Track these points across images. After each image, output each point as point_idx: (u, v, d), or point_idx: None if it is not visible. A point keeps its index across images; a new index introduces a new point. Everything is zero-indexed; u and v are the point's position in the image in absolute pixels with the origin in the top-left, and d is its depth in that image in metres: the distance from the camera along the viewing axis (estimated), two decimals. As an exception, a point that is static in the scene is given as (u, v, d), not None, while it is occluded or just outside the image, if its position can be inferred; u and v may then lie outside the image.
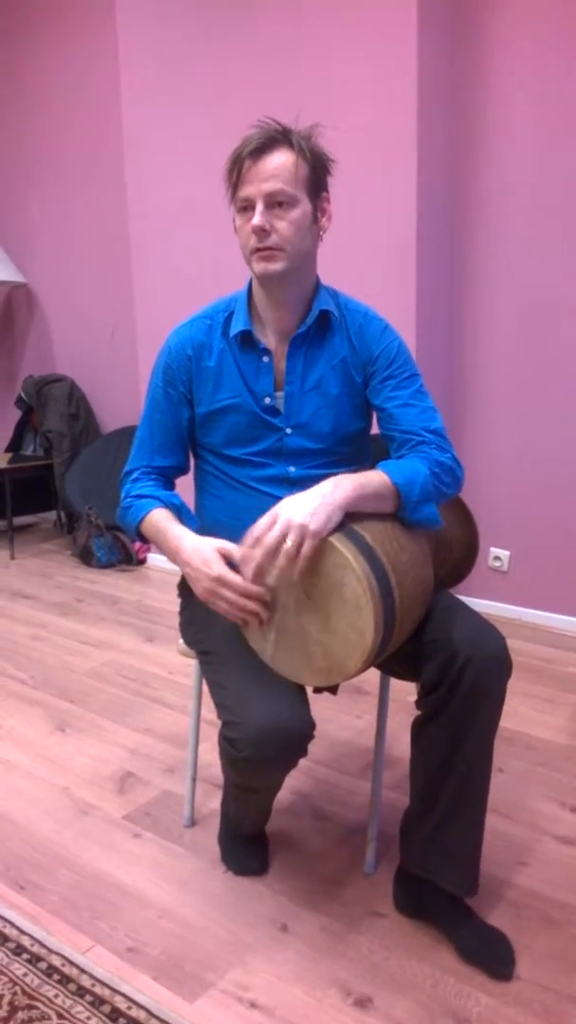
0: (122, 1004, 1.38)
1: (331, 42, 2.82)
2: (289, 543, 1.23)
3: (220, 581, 1.32)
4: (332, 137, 2.65)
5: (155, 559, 3.86)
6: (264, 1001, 1.39)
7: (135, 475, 1.59)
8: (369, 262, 2.87)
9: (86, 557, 3.91)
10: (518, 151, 2.77)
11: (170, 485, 1.61)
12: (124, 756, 2.19)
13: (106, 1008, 1.38)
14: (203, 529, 1.65)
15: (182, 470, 1.62)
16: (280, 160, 1.36)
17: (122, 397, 4.15)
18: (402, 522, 1.39)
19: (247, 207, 1.38)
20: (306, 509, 1.24)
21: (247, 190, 1.37)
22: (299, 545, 1.23)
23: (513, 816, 1.89)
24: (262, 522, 1.26)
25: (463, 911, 1.49)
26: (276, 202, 1.36)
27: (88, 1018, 1.36)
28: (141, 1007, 1.38)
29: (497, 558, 3.09)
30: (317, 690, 1.43)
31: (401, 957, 1.48)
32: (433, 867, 1.47)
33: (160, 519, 1.49)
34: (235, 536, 1.46)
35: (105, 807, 1.96)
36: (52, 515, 4.66)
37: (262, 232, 1.37)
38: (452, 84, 2.83)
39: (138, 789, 2.03)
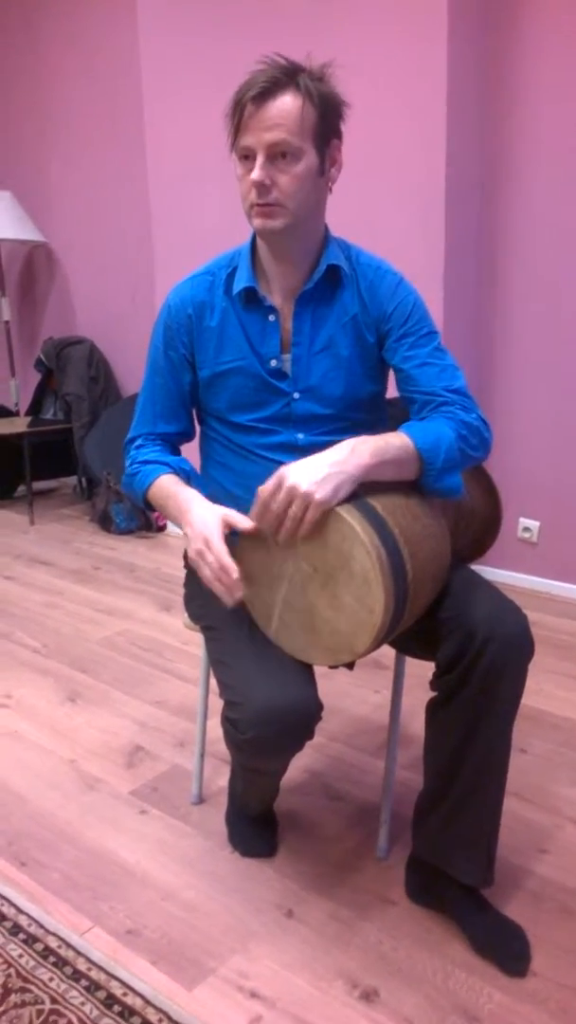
0: (118, 990, 1.33)
1: (359, 10, 2.67)
2: (294, 509, 1.15)
3: (207, 543, 1.23)
4: (359, 85, 2.52)
5: (174, 526, 3.79)
6: (266, 991, 1.33)
7: (139, 442, 1.50)
8: (397, 213, 2.74)
9: (105, 523, 3.85)
10: (553, 104, 2.60)
11: (176, 451, 1.53)
12: (134, 729, 2.13)
13: (101, 994, 1.32)
14: (210, 498, 1.56)
15: (187, 436, 1.53)
16: (285, 106, 1.23)
17: (142, 360, 4.02)
18: (420, 490, 1.29)
19: (248, 156, 1.26)
20: (313, 476, 1.15)
21: (248, 139, 1.25)
22: (303, 513, 1.14)
23: (535, 800, 1.80)
24: (269, 484, 1.18)
25: (477, 902, 1.41)
26: (279, 153, 1.24)
27: (82, 1004, 1.31)
28: (137, 994, 1.32)
29: (527, 528, 2.97)
30: (332, 665, 1.35)
31: (411, 948, 1.41)
32: (446, 856, 1.39)
33: (169, 483, 1.40)
34: (242, 506, 1.37)
35: (112, 782, 1.90)
36: (72, 480, 4.60)
37: (262, 187, 1.25)
38: (486, 34, 2.66)
39: (147, 763, 1.98)
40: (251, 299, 1.39)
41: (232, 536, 1.26)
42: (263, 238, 1.35)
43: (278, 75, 1.23)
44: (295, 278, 1.37)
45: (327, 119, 1.28)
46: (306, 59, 1.29)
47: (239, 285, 1.38)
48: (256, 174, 1.24)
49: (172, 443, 1.52)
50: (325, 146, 1.29)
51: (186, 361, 1.44)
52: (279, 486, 1.16)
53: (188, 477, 1.44)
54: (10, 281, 4.74)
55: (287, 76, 1.24)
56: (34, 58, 4.26)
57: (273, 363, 1.39)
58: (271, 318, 1.39)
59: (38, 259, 4.59)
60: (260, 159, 1.24)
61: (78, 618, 2.86)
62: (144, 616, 2.87)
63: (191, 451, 1.56)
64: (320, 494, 1.14)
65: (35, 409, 4.43)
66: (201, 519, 1.27)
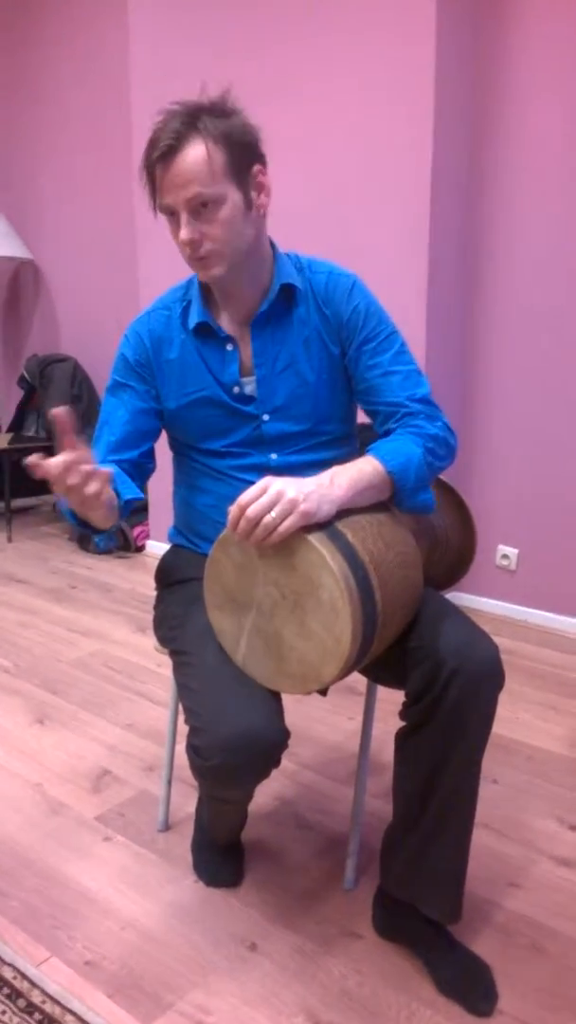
0: (73, 1025, 1.29)
1: (346, 14, 2.69)
2: (273, 514, 1.12)
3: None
4: (349, 118, 2.53)
5: (153, 546, 3.77)
6: (225, 1027, 1.30)
7: None
8: (381, 241, 2.75)
9: (84, 542, 3.82)
10: (539, 128, 2.63)
11: (134, 478, 1.42)
12: (102, 753, 2.10)
13: (55, 1028, 1.28)
14: (184, 523, 1.54)
15: (142, 467, 1.44)
16: (190, 158, 1.21)
17: (126, 379, 4.03)
18: (391, 516, 1.28)
19: (172, 213, 1.26)
20: (301, 488, 1.14)
21: (166, 198, 1.25)
22: (282, 519, 1.12)
23: (507, 833, 1.78)
24: (252, 489, 1.14)
25: (444, 939, 1.38)
26: (200, 204, 1.23)
27: (35, 1039, 1.27)
28: (93, 1029, 1.28)
29: (505, 556, 2.97)
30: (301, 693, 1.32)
31: (376, 984, 1.38)
32: (414, 890, 1.36)
33: None
34: (218, 529, 1.34)
35: (77, 807, 1.87)
36: (52, 498, 4.56)
37: (193, 243, 1.25)
38: (474, 59, 2.69)
39: (114, 788, 1.94)
40: (207, 331, 1.39)
41: (202, 555, 1.23)
42: (209, 284, 1.36)
43: (177, 127, 1.22)
44: (248, 305, 1.37)
45: (238, 153, 1.26)
46: (201, 95, 1.28)
47: (192, 320, 1.38)
48: (183, 233, 1.25)
49: (127, 472, 1.42)
50: (245, 179, 1.27)
51: (148, 395, 1.42)
52: (263, 490, 1.13)
53: (115, 478, 1.31)
54: (-4, 297, 4.73)
55: (186, 126, 1.22)
56: (26, 75, 4.27)
57: (236, 389, 1.39)
58: (228, 347, 1.38)
59: (24, 276, 4.59)
60: (184, 217, 1.24)
61: (51, 638, 2.82)
62: (118, 637, 2.84)
63: (168, 469, 1.55)
64: (305, 505, 1.12)
65: (17, 426, 4.40)
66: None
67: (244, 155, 1.27)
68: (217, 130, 1.23)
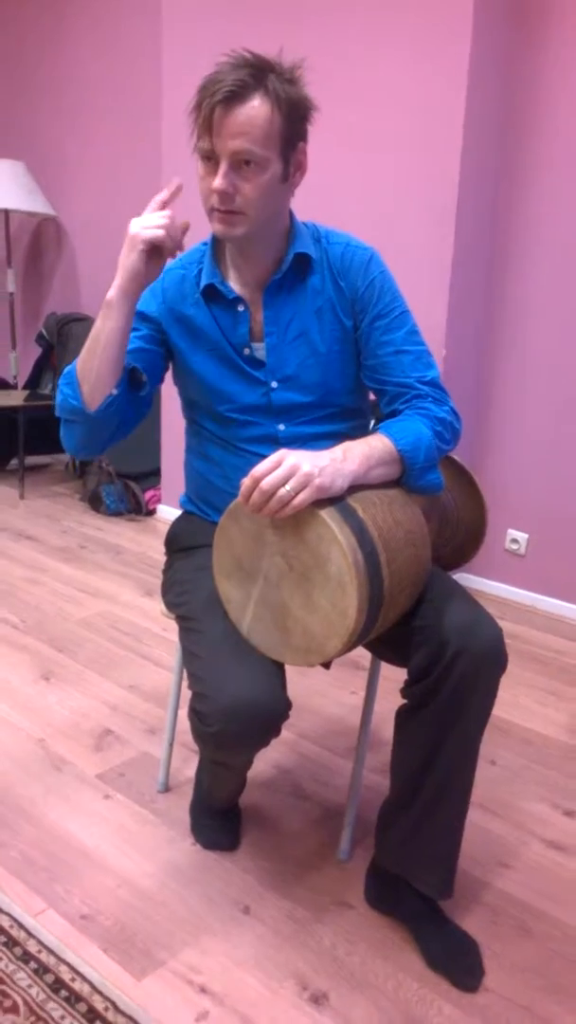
0: (66, 975, 1.32)
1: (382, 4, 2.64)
2: (288, 487, 1.11)
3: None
4: (376, 101, 2.49)
5: (164, 511, 3.77)
6: (215, 987, 1.32)
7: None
8: (406, 228, 2.71)
9: (95, 503, 3.83)
10: (570, 124, 2.58)
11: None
12: (105, 712, 2.12)
13: (49, 977, 1.31)
14: (193, 490, 1.54)
15: (144, 398, 1.40)
16: (252, 112, 1.18)
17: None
18: (402, 494, 1.28)
19: (210, 157, 1.23)
20: (316, 461, 1.14)
21: (212, 142, 1.20)
22: (297, 492, 1.11)
23: (501, 813, 1.79)
24: (266, 461, 1.14)
25: (434, 914, 1.40)
26: (243, 160, 1.21)
27: (29, 986, 1.29)
28: (85, 980, 1.31)
29: (515, 540, 2.96)
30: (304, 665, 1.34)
31: (365, 953, 1.40)
32: (407, 865, 1.38)
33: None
34: (225, 498, 1.36)
35: (79, 764, 1.89)
36: (65, 457, 4.57)
37: (225, 195, 1.22)
38: (508, 54, 2.63)
39: (116, 748, 1.96)
40: (217, 294, 1.38)
41: (212, 524, 1.23)
42: (224, 240, 1.34)
43: (246, 77, 1.18)
44: (261, 269, 1.36)
45: (294, 124, 1.24)
46: (278, 54, 1.24)
47: (204, 282, 1.37)
48: (219, 182, 1.21)
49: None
50: (291, 152, 1.26)
51: (153, 339, 1.40)
52: (277, 463, 1.13)
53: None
54: (17, 253, 4.70)
55: (255, 78, 1.18)
56: (58, 33, 4.21)
57: (246, 351, 1.38)
58: (240, 308, 1.37)
59: (47, 233, 4.56)
60: (223, 167, 1.21)
61: (60, 596, 2.84)
62: (126, 599, 2.86)
63: (180, 437, 1.55)
64: (320, 479, 1.12)
65: (34, 383, 4.40)
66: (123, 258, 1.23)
67: (297, 128, 1.25)
68: (284, 94, 1.20)
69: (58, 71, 4.26)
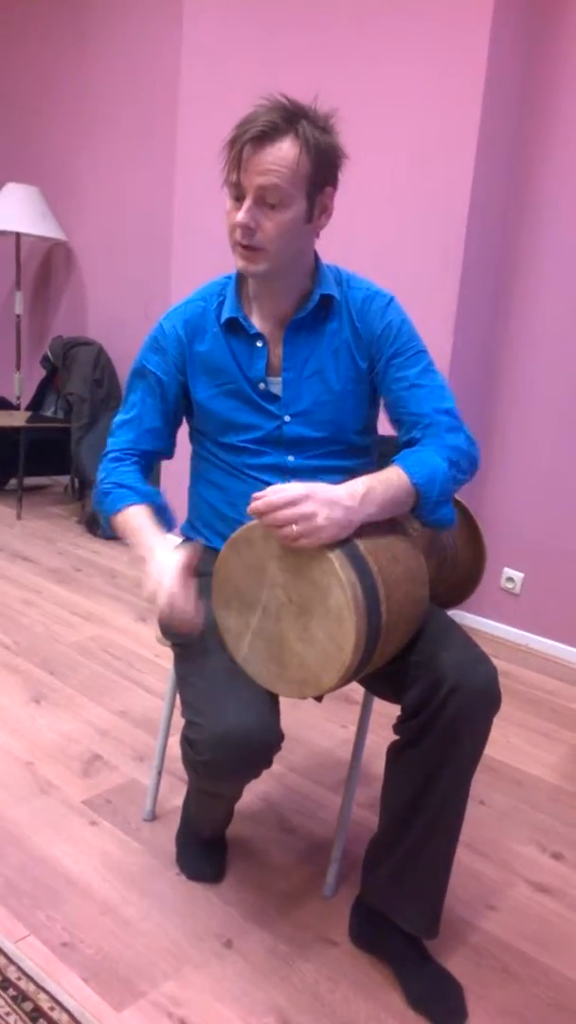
0: (45, 1003, 1.31)
1: (396, 35, 2.70)
2: (296, 528, 1.13)
3: (159, 584, 1.24)
4: (388, 138, 2.53)
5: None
6: (195, 1020, 1.31)
7: (116, 454, 1.48)
8: (413, 267, 2.76)
9: (92, 526, 3.84)
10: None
11: (149, 471, 1.51)
12: (94, 737, 2.11)
13: (28, 1005, 1.30)
14: (197, 516, 1.56)
15: (166, 455, 1.53)
16: (280, 152, 1.23)
17: (149, 369, 4.04)
18: (403, 530, 1.29)
19: (239, 195, 1.28)
20: (332, 512, 1.14)
21: (240, 177, 1.26)
22: (300, 536, 1.13)
23: (488, 854, 1.78)
24: (287, 494, 1.14)
25: (419, 953, 1.39)
26: (267, 199, 1.25)
27: (7, 1014, 1.28)
28: (64, 1009, 1.30)
29: (510, 579, 2.97)
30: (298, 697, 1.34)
31: (347, 991, 1.39)
32: (393, 903, 1.37)
33: (137, 517, 1.39)
34: (229, 524, 1.38)
35: (66, 788, 1.88)
36: (65, 479, 4.59)
37: (247, 229, 1.27)
38: (522, 86, 2.70)
39: (103, 774, 1.95)
40: (238, 328, 1.41)
41: (213, 551, 1.25)
42: (248, 277, 1.37)
43: (278, 120, 1.23)
44: (284, 306, 1.39)
45: (321, 170, 1.28)
46: (313, 101, 1.29)
47: (226, 315, 1.40)
48: (242, 216, 1.26)
49: (150, 462, 1.51)
50: (317, 194, 1.29)
51: (177, 383, 1.45)
52: (294, 502, 1.13)
53: (158, 510, 1.43)
54: (26, 276, 4.75)
55: (287, 121, 1.24)
56: (77, 59, 4.29)
57: (262, 386, 1.41)
58: (259, 344, 1.40)
59: (57, 257, 4.61)
60: (248, 201, 1.25)
61: (53, 619, 2.84)
62: (119, 624, 2.85)
63: (182, 464, 1.56)
64: (327, 532, 1.13)
65: (36, 405, 4.43)
66: (159, 565, 1.27)
67: (325, 173, 1.29)
68: (313, 139, 1.25)
69: (77, 96, 4.33)
